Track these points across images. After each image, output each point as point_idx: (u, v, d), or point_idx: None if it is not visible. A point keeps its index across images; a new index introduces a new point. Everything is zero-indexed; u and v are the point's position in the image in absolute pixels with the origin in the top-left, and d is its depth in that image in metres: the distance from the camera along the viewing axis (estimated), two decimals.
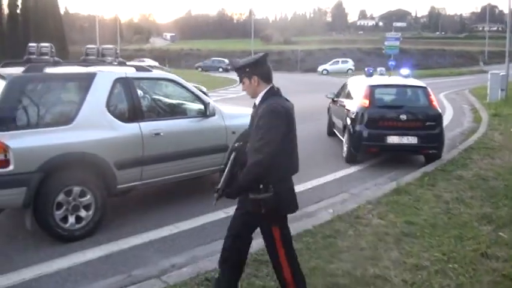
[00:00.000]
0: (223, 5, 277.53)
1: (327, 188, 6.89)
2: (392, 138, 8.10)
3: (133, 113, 5.36)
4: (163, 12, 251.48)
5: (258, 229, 3.16)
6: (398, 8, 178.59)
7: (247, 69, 3.05)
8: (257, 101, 3.09)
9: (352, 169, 8.09)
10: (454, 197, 5.98)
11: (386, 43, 30.86)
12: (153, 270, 4.17)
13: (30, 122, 4.66)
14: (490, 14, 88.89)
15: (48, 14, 50.49)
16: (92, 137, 4.92)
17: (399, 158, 8.86)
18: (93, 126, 4.98)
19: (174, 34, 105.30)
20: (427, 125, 8.18)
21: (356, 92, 9.15)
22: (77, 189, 4.80)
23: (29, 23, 50.21)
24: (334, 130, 10.50)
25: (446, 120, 10.96)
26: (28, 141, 4.52)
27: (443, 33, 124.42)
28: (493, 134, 10.74)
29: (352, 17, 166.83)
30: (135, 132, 5.29)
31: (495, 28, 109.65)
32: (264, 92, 3.05)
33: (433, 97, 8.59)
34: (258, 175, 2.88)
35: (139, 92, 5.74)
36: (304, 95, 21.50)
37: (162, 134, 5.48)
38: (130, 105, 5.37)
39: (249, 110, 3.30)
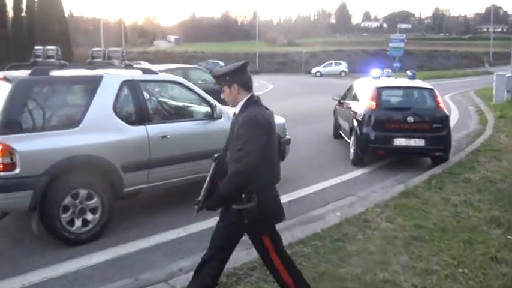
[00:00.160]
0: (227, 7, 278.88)
1: (333, 191, 6.85)
2: (399, 140, 8.05)
3: (140, 116, 5.34)
4: (167, 15, 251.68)
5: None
6: (402, 9, 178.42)
7: (227, 78, 3.00)
8: (237, 109, 3.04)
9: (359, 172, 8.05)
10: (462, 200, 5.93)
11: (391, 44, 30.73)
12: (161, 274, 4.14)
13: (37, 125, 4.64)
14: (495, 15, 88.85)
15: (53, 16, 50.57)
16: (98, 140, 4.90)
17: (406, 160, 8.80)
18: (100, 129, 4.96)
19: (178, 36, 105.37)
20: (434, 127, 8.12)
21: (363, 94, 9.10)
22: (83, 192, 4.78)
23: (34, 26, 50.33)
24: (341, 132, 10.45)
25: (452, 122, 10.88)
26: (34, 144, 4.51)
27: (447, 34, 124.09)
28: (499, 136, 10.67)
29: (356, 18, 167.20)
30: (142, 135, 5.27)
31: (499, 29, 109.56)
32: (244, 100, 3.01)
33: (440, 99, 8.54)
34: (238, 184, 2.84)
35: (146, 95, 5.72)
36: (304, 96, 21.45)
37: (168, 136, 5.45)
38: (137, 108, 5.36)
39: None
